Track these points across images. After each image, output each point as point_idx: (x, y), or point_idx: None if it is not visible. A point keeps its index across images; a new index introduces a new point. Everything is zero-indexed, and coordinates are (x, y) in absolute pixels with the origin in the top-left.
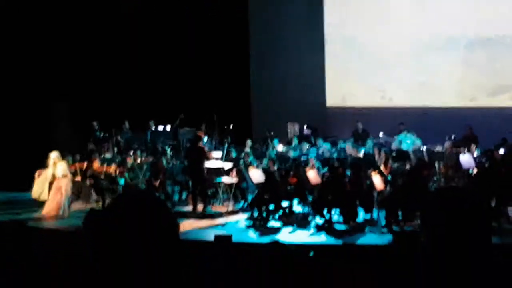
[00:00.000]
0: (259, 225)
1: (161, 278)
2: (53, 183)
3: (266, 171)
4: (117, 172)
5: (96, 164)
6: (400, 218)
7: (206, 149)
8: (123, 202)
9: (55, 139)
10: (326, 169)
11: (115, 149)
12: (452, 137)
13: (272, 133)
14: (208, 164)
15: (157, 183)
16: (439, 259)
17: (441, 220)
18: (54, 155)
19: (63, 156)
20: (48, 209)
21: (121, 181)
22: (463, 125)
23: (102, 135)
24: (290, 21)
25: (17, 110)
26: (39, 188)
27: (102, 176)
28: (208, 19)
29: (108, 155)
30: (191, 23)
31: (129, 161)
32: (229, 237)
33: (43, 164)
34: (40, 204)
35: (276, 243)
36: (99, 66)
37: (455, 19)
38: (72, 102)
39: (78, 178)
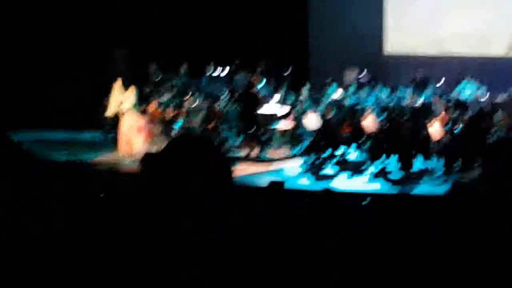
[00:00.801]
0: (314, 171)
1: (215, 222)
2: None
3: (323, 116)
4: (173, 116)
5: (152, 108)
6: (459, 167)
7: (259, 95)
8: (178, 146)
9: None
10: (383, 116)
11: (172, 93)
12: None
13: (330, 79)
14: (263, 109)
15: (212, 128)
16: (500, 210)
17: (502, 171)
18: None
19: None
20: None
21: (177, 125)
22: None
23: (159, 79)
24: None
25: (74, 52)
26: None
27: (158, 120)
28: None
29: (164, 99)
30: None
31: (185, 105)
32: (282, 183)
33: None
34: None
35: (328, 191)
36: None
37: None
38: (130, 44)
39: None
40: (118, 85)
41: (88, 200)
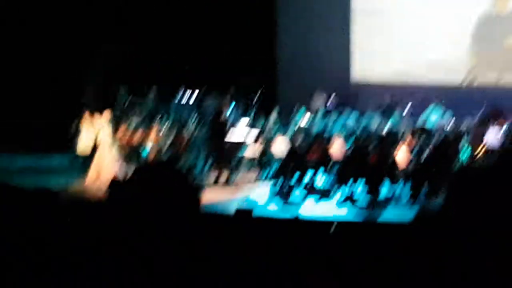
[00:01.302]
0: (282, 194)
1: (182, 249)
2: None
3: (291, 141)
4: (141, 141)
5: (121, 132)
6: (425, 192)
7: (228, 122)
8: (145, 173)
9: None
10: (351, 141)
11: (140, 118)
12: (479, 114)
13: (298, 103)
14: (232, 136)
15: (180, 153)
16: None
17: (467, 200)
18: (106, 115)
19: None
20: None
21: (145, 152)
22: (495, 104)
23: (128, 102)
24: None
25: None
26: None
27: (126, 145)
28: None
29: (132, 124)
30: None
31: (153, 130)
32: (250, 212)
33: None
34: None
35: (297, 219)
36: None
37: None
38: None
39: None
40: (87, 118)
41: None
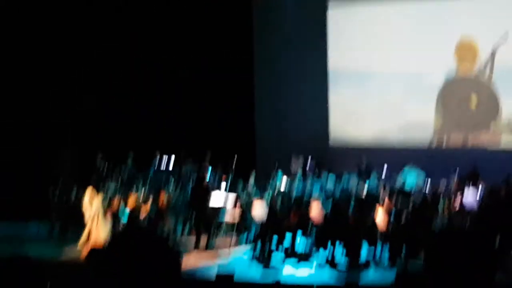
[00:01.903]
0: (262, 258)
1: None
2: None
3: (269, 204)
4: (120, 207)
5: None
6: (404, 254)
7: (209, 188)
8: (123, 240)
9: (56, 172)
10: (330, 205)
11: (118, 185)
12: (456, 176)
13: (276, 167)
14: (211, 201)
15: (159, 219)
16: None
17: (447, 262)
18: (91, 191)
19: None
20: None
21: (124, 218)
22: (467, 164)
23: (104, 170)
24: (295, 56)
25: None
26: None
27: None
28: (212, 45)
29: (110, 190)
30: (194, 52)
31: (132, 197)
32: (231, 277)
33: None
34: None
35: (278, 283)
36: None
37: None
38: (74, 142)
39: None
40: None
41: None
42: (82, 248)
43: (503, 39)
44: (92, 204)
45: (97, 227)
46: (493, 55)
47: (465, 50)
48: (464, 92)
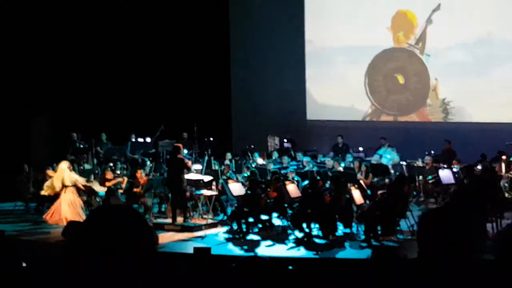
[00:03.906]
0: (238, 238)
1: None
2: (62, 192)
3: (245, 184)
4: (97, 183)
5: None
6: (379, 232)
7: (186, 160)
8: (101, 215)
9: (34, 151)
10: (305, 182)
11: (95, 161)
12: (432, 152)
13: (252, 146)
14: (187, 176)
15: (136, 195)
16: (434, 274)
17: (437, 239)
18: (65, 164)
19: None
20: (54, 219)
21: (100, 193)
22: (442, 140)
23: (81, 146)
24: (272, 34)
25: None
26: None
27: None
28: (189, 30)
29: (87, 166)
30: (172, 34)
31: (108, 173)
32: (208, 250)
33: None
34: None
35: (255, 257)
36: (78, 76)
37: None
38: (50, 115)
39: None
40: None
41: (11, 271)
42: (47, 220)
43: (435, 10)
44: (64, 177)
45: (69, 201)
46: (426, 24)
47: (399, 20)
48: (394, 63)
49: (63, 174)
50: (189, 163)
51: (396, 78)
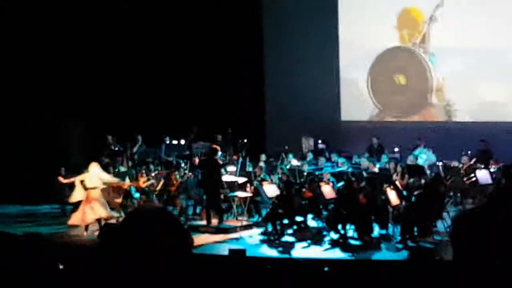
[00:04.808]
0: (273, 240)
1: None
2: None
3: (280, 185)
4: (132, 186)
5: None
6: (415, 233)
7: (220, 161)
8: (137, 218)
9: (70, 154)
10: (341, 183)
11: (130, 163)
12: (468, 153)
13: (286, 147)
14: (223, 177)
15: (171, 197)
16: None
17: (472, 240)
18: (94, 166)
19: None
20: (78, 220)
21: (136, 195)
22: (479, 140)
23: (116, 149)
24: (306, 34)
25: (31, 125)
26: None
27: (117, 190)
28: (223, 32)
29: (122, 169)
30: (207, 36)
31: (142, 176)
32: (243, 251)
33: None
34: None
35: (290, 258)
36: (113, 80)
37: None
38: (87, 118)
39: None
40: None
41: (47, 273)
42: (71, 221)
43: (439, 6)
44: (93, 180)
45: (96, 203)
46: (429, 21)
47: (404, 18)
48: (396, 62)
49: (98, 174)
50: (225, 166)
51: (397, 78)
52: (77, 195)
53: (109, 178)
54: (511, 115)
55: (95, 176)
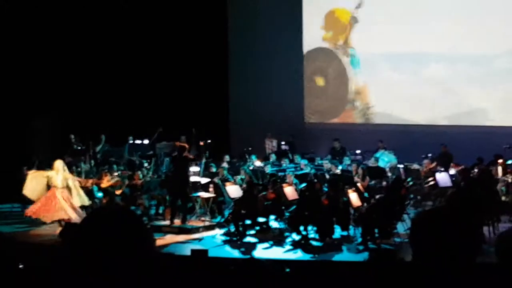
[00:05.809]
0: (235, 240)
1: None
2: (51, 190)
3: (243, 186)
4: (94, 185)
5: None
6: (376, 235)
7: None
8: (99, 217)
9: (33, 152)
10: (303, 185)
11: (92, 162)
12: (429, 156)
13: (249, 148)
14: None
15: (133, 197)
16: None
17: (431, 241)
18: (60, 164)
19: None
20: (37, 211)
21: (98, 195)
22: (439, 143)
23: (79, 148)
24: (270, 36)
25: None
26: (33, 186)
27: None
28: (187, 34)
29: (84, 167)
30: (171, 36)
31: (105, 175)
32: (205, 252)
33: (19, 176)
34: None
35: (252, 259)
36: (77, 78)
37: (440, 37)
38: (51, 116)
39: None
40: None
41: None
42: (29, 215)
43: (359, 7)
44: (58, 177)
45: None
46: (352, 22)
47: (330, 19)
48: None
49: (61, 173)
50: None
51: (316, 80)
52: (35, 191)
53: (72, 177)
54: (438, 119)
55: (62, 175)
